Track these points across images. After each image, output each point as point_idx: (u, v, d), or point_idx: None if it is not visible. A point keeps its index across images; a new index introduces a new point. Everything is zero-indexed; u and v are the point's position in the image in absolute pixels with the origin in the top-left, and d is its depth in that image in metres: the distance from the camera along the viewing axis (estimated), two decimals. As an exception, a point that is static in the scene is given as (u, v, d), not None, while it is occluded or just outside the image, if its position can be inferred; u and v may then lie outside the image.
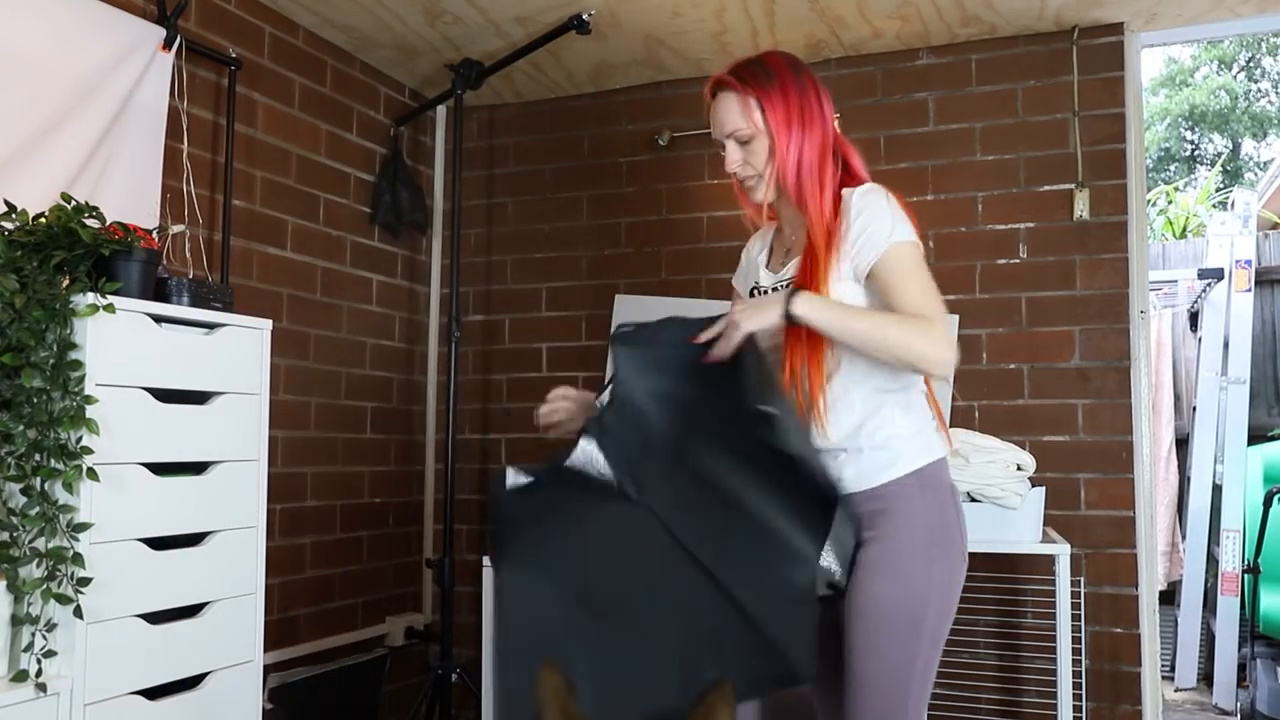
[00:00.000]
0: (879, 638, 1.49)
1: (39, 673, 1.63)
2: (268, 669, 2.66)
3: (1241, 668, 3.89)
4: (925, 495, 1.53)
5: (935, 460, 1.56)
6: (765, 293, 1.67)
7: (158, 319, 1.88)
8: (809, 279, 1.54)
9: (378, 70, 3.25)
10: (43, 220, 1.80)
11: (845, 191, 1.59)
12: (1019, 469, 2.33)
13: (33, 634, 1.64)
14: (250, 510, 2.08)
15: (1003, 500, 2.31)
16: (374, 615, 3.19)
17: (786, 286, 1.57)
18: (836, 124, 1.65)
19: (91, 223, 1.82)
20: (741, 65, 1.66)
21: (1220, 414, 4.19)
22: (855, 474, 1.53)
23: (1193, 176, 11.79)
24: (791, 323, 1.47)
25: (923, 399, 1.59)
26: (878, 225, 1.52)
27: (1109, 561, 2.78)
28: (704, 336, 1.50)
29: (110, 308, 1.75)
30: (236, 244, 2.67)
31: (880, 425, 1.54)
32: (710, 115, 1.69)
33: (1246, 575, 3.87)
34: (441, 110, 3.51)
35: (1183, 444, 4.49)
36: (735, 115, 1.63)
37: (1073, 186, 2.87)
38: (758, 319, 1.46)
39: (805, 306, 1.47)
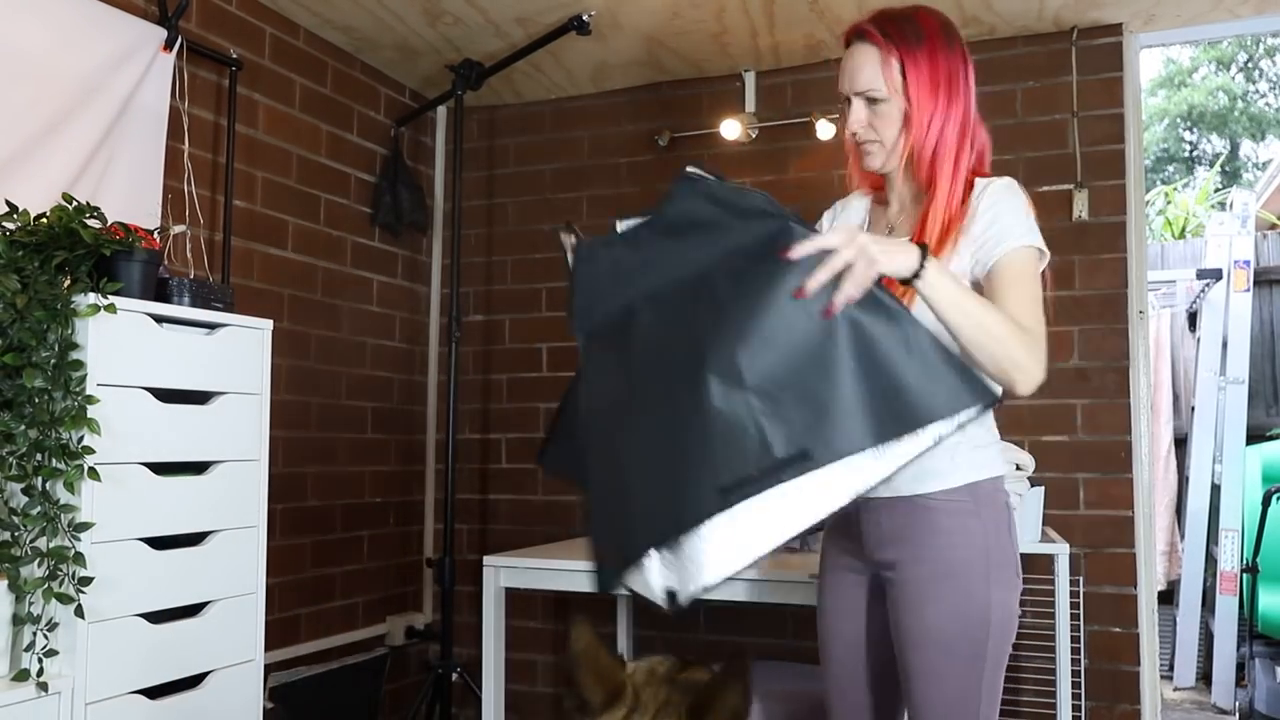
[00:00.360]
0: (942, 664, 1.42)
1: (40, 672, 1.64)
2: (268, 668, 2.66)
3: (1240, 667, 3.90)
4: (983, 512, 1.43)
5: (994, 477, 1.48)
6: None
7: (159, 319, 1.88)
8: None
9: (378, 71, 3.26)
10: (44, 220, 1.80)
11: (980, 180, 1.46)
12: (1018, 469, 2.33)
13: (34, 633, 1.65)
14: (251, 510, 2.08)
15: (1002, 500, 2.31)
16: (374, 615, 3.19)
17: None
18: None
19: (93, 223, 1.82)
20: (889, 17, 1.45)
21: (1219, 414, 4.20)
22: (912, 475, 1.37)
23: (1191, 177, 11.79)
24: (907, 283, 1.25)
25: (991, 415, 1.47)
26: (1012, 222, 1.40)
27: (1108, 561, 2.78)
28: (802, 251, 1.18)
29: (111, 308, 1.75)
30: (237, 244, 2.67)
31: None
32: (842, 65, 1.48)
33: (1245, 575, 3.88)
34: (442, 111, 3.52)
35: (1181, 444, 4.49)
36: (872, 72, 1.43)
37: (1072, 187, 2.88)
38: (892, 262, 1.21)
39: (936, 270, 1.25)
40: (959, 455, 1.42)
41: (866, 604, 1.53)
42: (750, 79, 3.21)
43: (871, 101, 1.45)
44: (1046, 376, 1.34)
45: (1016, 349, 1.30)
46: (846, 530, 1.53)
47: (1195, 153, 12.55)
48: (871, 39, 1.44)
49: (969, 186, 1.45)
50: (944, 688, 1.43)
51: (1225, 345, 4.17)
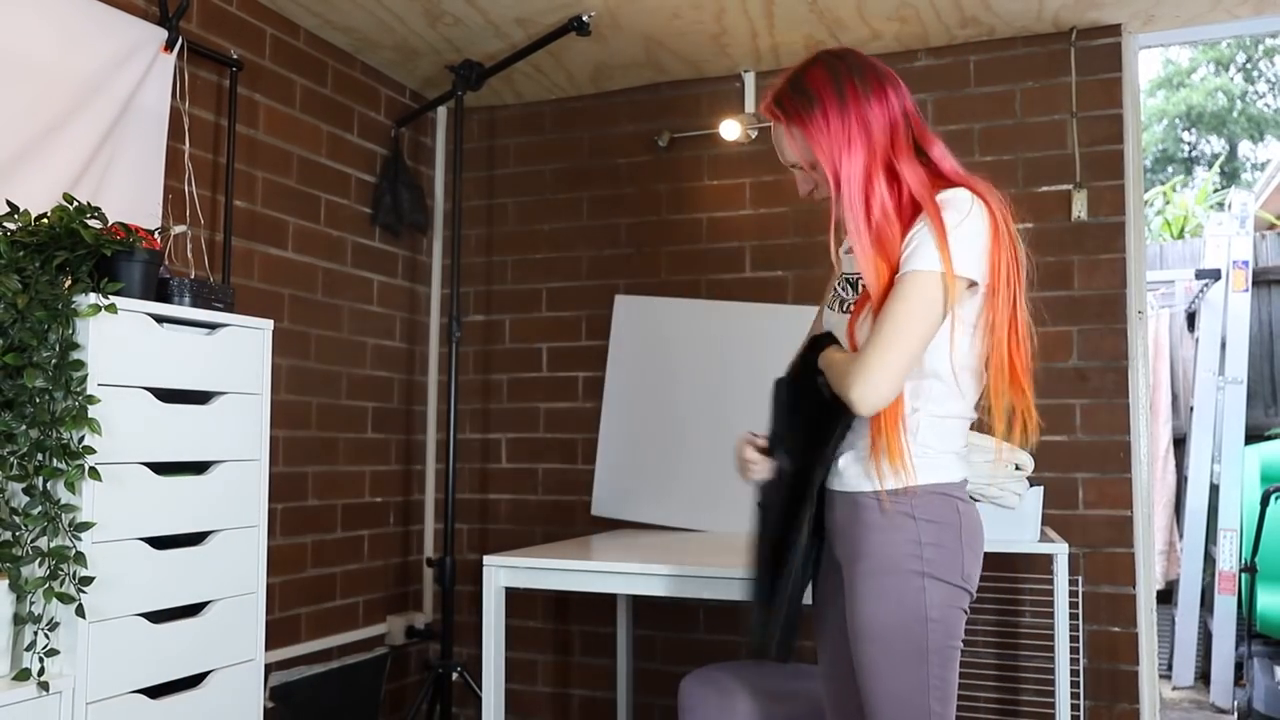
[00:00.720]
0: (885, 660, 1.48)
1: (41, 671, 1.64)
2: (269, 668, 2.66)
3: (1239, 666, 3.90)
4: (921, 513, 1.50)
5: (941, 482, 1.51)
6: (845, 277, 1.65)
7: (159, 319, 1.88)
8: (859, 305, 1.54)
9: (378, 71, 3.26)
10: (45, 221, 1.80)
11: (939, 196, 1.48)
12: (1017, 469, 2.33)
13: (35, 633, 1.65)
14: (251, 509, 2.08)
15: (1001, 500, 2.31)
16: (374, 614, 3.20)
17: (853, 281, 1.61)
18: (911, 115, 1.54)
19: (93, 223, 1.83)
20: (783, 91, 1.57)
21: (1217, 414, 4.21)
22: (860, 473, 1.53)
23: (1190, 177, 11.80)
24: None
25: (960, 426, 1.55)
26: (917, 246, 1.45)
27: (1107, 561, 2.79)
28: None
29: (112, 308, 1.75)
30: (238, 244, 2.68)
31: (912, 433, 1.51)
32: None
33: (1243, 574, 3.88)
34: (442, 111, 3.52)
35: (1180, 444, 4.50)
36: (785, 148, 1.59)
37: (1071, 187, 2.88)
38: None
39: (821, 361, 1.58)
40: (913, 459, 1.50)
41: (837, 597, 1.62)
42: (750, 79, 3.21)
43: (803, 168, 1.60)
44: (885, 392, 1.44)
45: (841, 381, 1.48)
46: (827, 513, 1.63)
47: (1194, 153, 12.55)
48: (775, 118, 1.59)
49: (906, 206, 1.51)
50: (888, 683, 1.49)
51: (1224, 345, 4.17)
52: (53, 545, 1.66)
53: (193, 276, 2.45)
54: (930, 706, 1.48)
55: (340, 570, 3.05)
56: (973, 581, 1.54)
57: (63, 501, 1.68)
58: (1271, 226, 5.30)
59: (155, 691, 1.85)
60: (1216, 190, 7.35)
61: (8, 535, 1.64)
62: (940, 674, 1.49)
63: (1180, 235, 6.04)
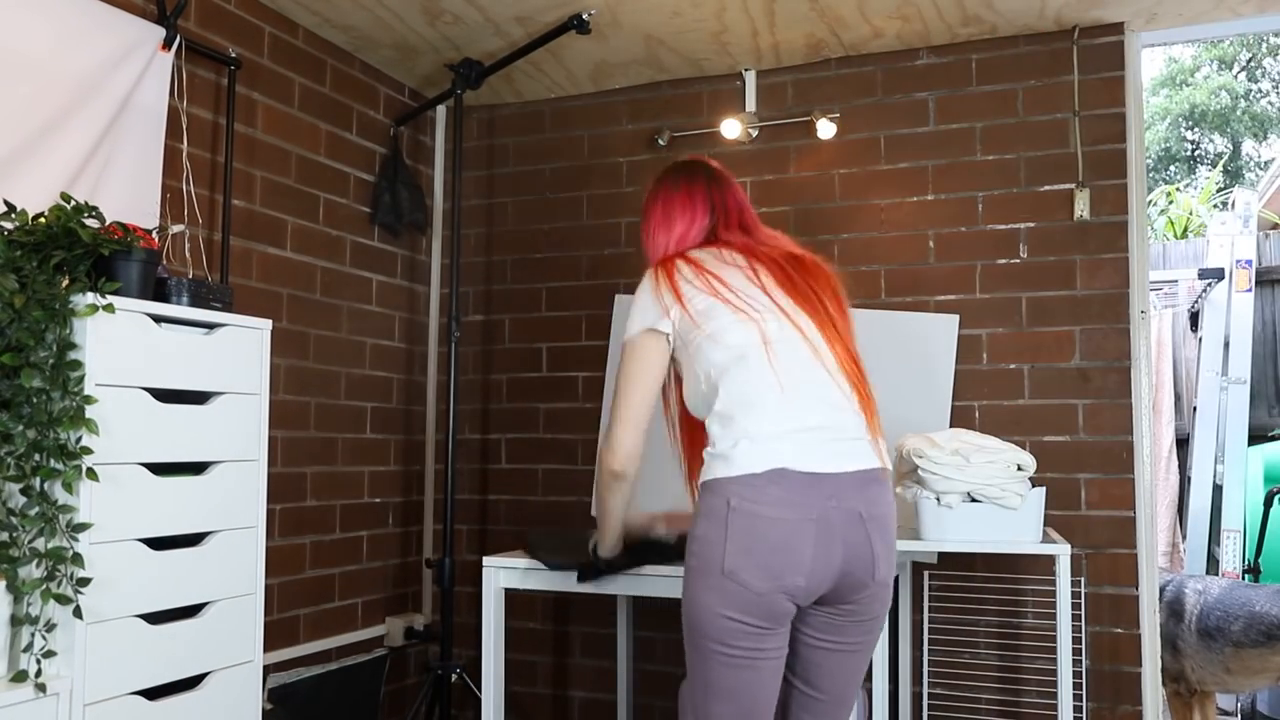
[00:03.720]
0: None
1: (38, 673, 1.63)
2: (267, 669, 2.66)
3: (1242, 668, 3.89)
4: (701, 508, 1.65)
5: (712, 479, 1.64)
6: None
7: (157, 319, 1.88)
8: None
9: (377, 70, 3.25)
10: (42, 220, 1.80)
11: None
12: (1019, 469, 2.32)
13: (32, 634, 1.64)
14: (250, 510, 2.08)
15: (1003, 500, 2.30)
16: (374, 615, 3.19)
17: None
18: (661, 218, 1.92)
19: (91, 222, 1.82)
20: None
21: (1221, 414, 4.19)
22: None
23: (1193, 176, 11.79)
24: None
25: (722, 426, 1.66)
26: (630, 313, 1.82)
27: (1109, 562, 2.78)
28: None
29: (110, 308, 1.75)
30: (236, 244, 2.67)
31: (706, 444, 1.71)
32: None
33: (1247, 575, 3.87)
34: (441, 110, 3.51)
35: (1183, 444, 4.49)
36: None
37: (1073, 186, 2.87)
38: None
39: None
40: (705, 461, 1.69)
41: None
42: (750, 78, 3.20)
43: None
44: (624, 450, 1.75)
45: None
46: None
47: (1197, 152, 12.54)
48: None
49: None
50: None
51: (1227, 345, 4.16)
52: (50, 546, 1.65)
53: (191, 276, 2.45)
54: (696, 684, 1.65)
55: (339, 571, 3.04)
56: (739, 576, 1.58)
57: (60, 502, 1.67)
58: (1275, 226, 5.28)
59: (153, 693, 1.84)
60: (1220, 189, 7.34)
61: (5, 536, 1.63)
62: (695, 660, 1.63)
63: (1183, 235, 6.03)
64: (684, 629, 1.65)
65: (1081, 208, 2.85)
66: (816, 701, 1.71)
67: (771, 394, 1.63)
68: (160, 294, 1.95)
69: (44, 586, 1.64)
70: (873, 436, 1.69)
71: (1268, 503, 3.77)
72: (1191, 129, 12.40)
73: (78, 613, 1.66)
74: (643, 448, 1.75)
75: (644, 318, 1.76)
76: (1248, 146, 12.37)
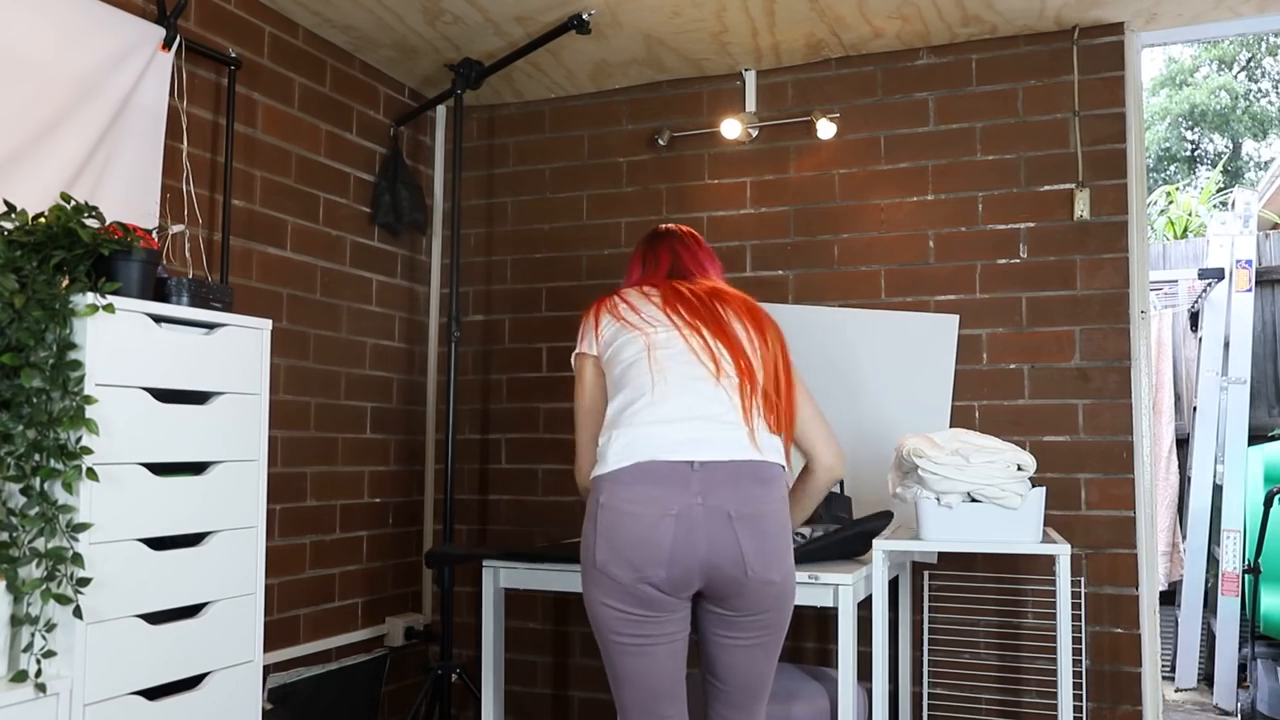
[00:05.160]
0: None
1: (38, 673, 1.63)
2: (267, 669, 2.66)
3: (1242, 668, 3.89)
4: (587, 507, 1.79)
5: (592, 477, 1.79)
6: None
7: (157, 319, 1.88)
8: None
9: (377, 70, 3.25)
10: (42, 220, 1.80)
11: None
12: (1019, 469, 2.32)
13: (32, 634, 1.64)
14: (250, 510, 2.08)
15: (1003, 500, 2.30)
16: (374, 615, 3.19)
17: None
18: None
19: (91, 222, 1.82)
20: None
21: (1221, 414, 4.19)
22: None
23: (1193, 176, 11.79)
24: None
25: (605, 429, 1.82)
26: None
27: (1109, 562, 2.78)
28: None
29: (110, 308, 1.75)
30: (236, 244, 2.67)
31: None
32: None
33: (1247, 575, 3.87)
34: (441, 110, 3.51)
35: (1183, 444, 4.49)
36: None
37: (1073, 186, 2.87)
38: None
39: None
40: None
41: None
42: (750, 78, 3.20)
43: None
44: (584, 471, 1.92)
45: None
46: None
47: (1197, 152, 12.54)
48: None
49: None
50: None
51: (1227, 345, 4.16)
52: (50, 546, 1.65)
53: (191, 276, 2.44)
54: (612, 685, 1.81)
55: (339, 571, 3.04)
56: (609, 569, 1.71)
57: (60, 502, 1.67)
58: (1275, 226, 5.28)
59: (153, 693, 1.84)
60: (1220, 189, 7.34)
61: (5, 536, 1.63)
62: (605, 659, 1.77)
63: (1183, 235, 6.03)
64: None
65: (1081, 208, 2.85)
66: (724, 692, 1.82)
67: (645, 393, 1.77)
68: (160, 294, 1.95)
69: (44, 586, 1.63)
70: (766, 432, 1.77)
71: (1268, 503, 3.77)
72: (1191, 129, 12.40)
73: (78, 613, 1.66)
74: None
75: (579, 344, 2.00)
76: (1248, 146, 12.37)
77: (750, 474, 1.70)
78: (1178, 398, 4.61)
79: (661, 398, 1.75)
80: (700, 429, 1.71)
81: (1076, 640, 2.75)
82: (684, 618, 1.76)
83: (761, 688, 1.82)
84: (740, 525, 1.67)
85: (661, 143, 3.27)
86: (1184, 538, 4.33)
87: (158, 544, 1.86)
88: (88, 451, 1.68)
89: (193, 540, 1.95)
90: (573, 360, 2.01)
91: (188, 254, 2.51)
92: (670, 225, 2.16)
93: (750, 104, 3.20)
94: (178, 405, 1.91)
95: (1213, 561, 4.17)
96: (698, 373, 1.77)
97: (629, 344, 1.88)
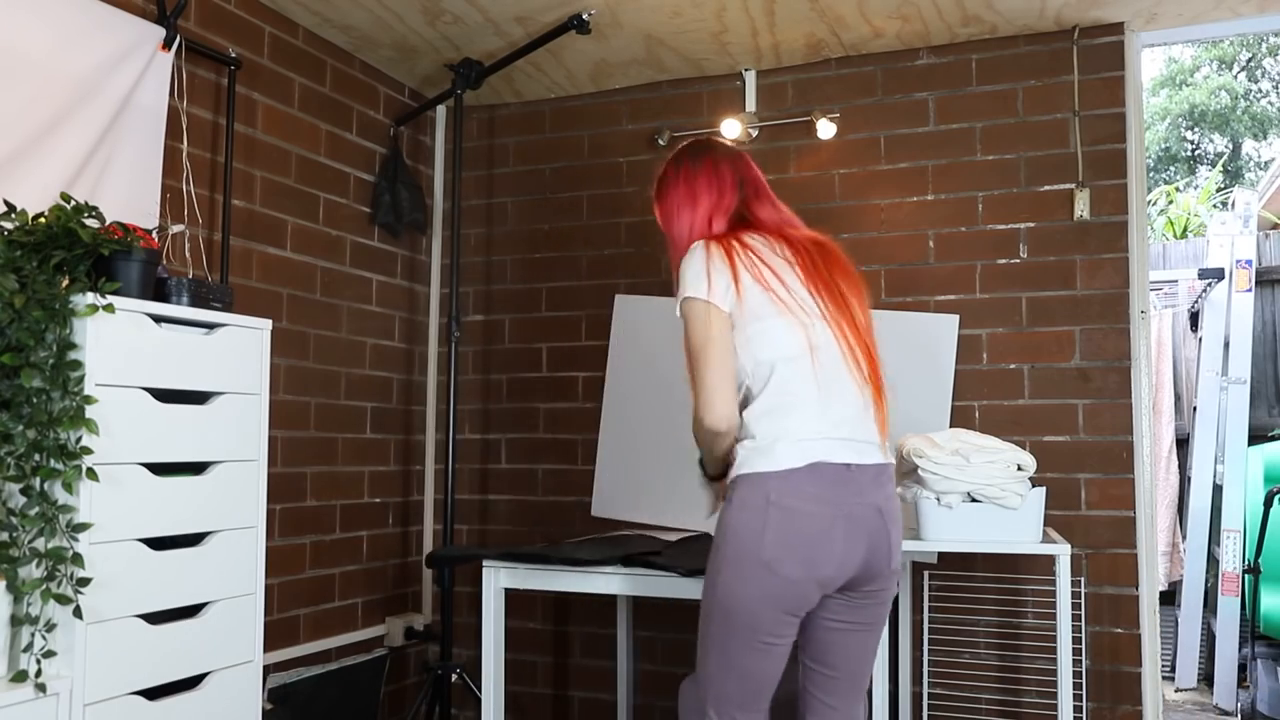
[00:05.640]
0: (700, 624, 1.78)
1: (38, 673, 1.63)
2: (267, 669, 2.66)
3: (1242, 668, 3.89)
4: (731, 502, 1.72)
5: (748, 473, 1.71)
6: None
7: (157, 319, 1.88)
8: None
9: (377, 70, 3.25)
10: (42, 220, 1.80)
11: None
12: (1019, 469, 2.32)
13: (32, 634, 1.64)
14: (250, 510, 2.08)
15: (1003, 500, 2.30)
16: (373, 615, 3.19)
17: None
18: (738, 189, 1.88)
19: (91, 222, 1.82)
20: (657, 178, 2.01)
21: (1221, 414, 4.19)
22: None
23: (1193, 176, 11.79)
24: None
25: (763, 421, 1.73)
26: (679, 284, 1.80)
27: (1109, 561, 2.78)
28: None
29: (110, 308, 1.75)
30: (236, 244, 2.67)
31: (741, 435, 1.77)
32: None
33: (1247, 575, 3.87)
34: (441, 110, 3.51)
35: (1183, 444, 4.49)
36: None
37: (1073, 186, 2.87)
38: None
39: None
40: (740, 455, 1.75)
41: None
42: (750, 78, 3.20)
43: None
44: (724, 413, 1.74)
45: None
46: None
47: (1197, 152, 12.54)
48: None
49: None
50: (699, 644, 1.78)
51: (1227, 345, 4.16)
52: (50, 546, 1.65)
53: (191, 276, 2.44)
54: (706, 662, 1.76)
55: (339, 571, 3.04)
56: (779, 568, 1.67)
57: (60, 502, 1.67)
58: (1275, 226, 5.28)
59: (153, 693, 1.84)
60: (1220, 189, 7.34)
61: (5, 536, 1.63)
62: (715, 645, 1.72)
63: (1183, 235, 6.03)
64: (708, 612, 1.73)
65: (1081, 208, 2.85)
66: (833, 680, 1.82)
67: (812, 397, 1.73)
68: (160, 294, 1.95)
69: (44, 586, 1.63)
70: (883, 435, 1.81)
71: (1268, 503, 3.77)
72: (1191, 129, 12.40)
73: (78, 613, 1.66)
74: (735, 407, 1.75)
75: (703, 288, 1.75)
76: (1248, 146, 12.37)
77: (887, 475, 1.78)
78: (1178, 398, 4.61)
79: (826, 405, 1.72)
80: (852, 432, 1.74)
81: (1076, 640, 2.75)
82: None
83: (866, 675, 1.86)
84: (889, 520, 1.74)
85: (661, 143, 3.27)
86: (1184, 538, 4.33)
87: (158, 544, 1.86)
88: (88, 451, 1.68)
89: (193, 540, 1.95)
90: (683, 304, 1.78)
91: (188, 254, 2.51)
92: (711, 136, 2.01)
93: (750, 104, 3.20)
94: (178, 405, 1.91)
95: (1213, 561, 4.17)
96: (851, 384, 1.76)
97: (788, 332, 1.73)
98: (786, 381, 1.72)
